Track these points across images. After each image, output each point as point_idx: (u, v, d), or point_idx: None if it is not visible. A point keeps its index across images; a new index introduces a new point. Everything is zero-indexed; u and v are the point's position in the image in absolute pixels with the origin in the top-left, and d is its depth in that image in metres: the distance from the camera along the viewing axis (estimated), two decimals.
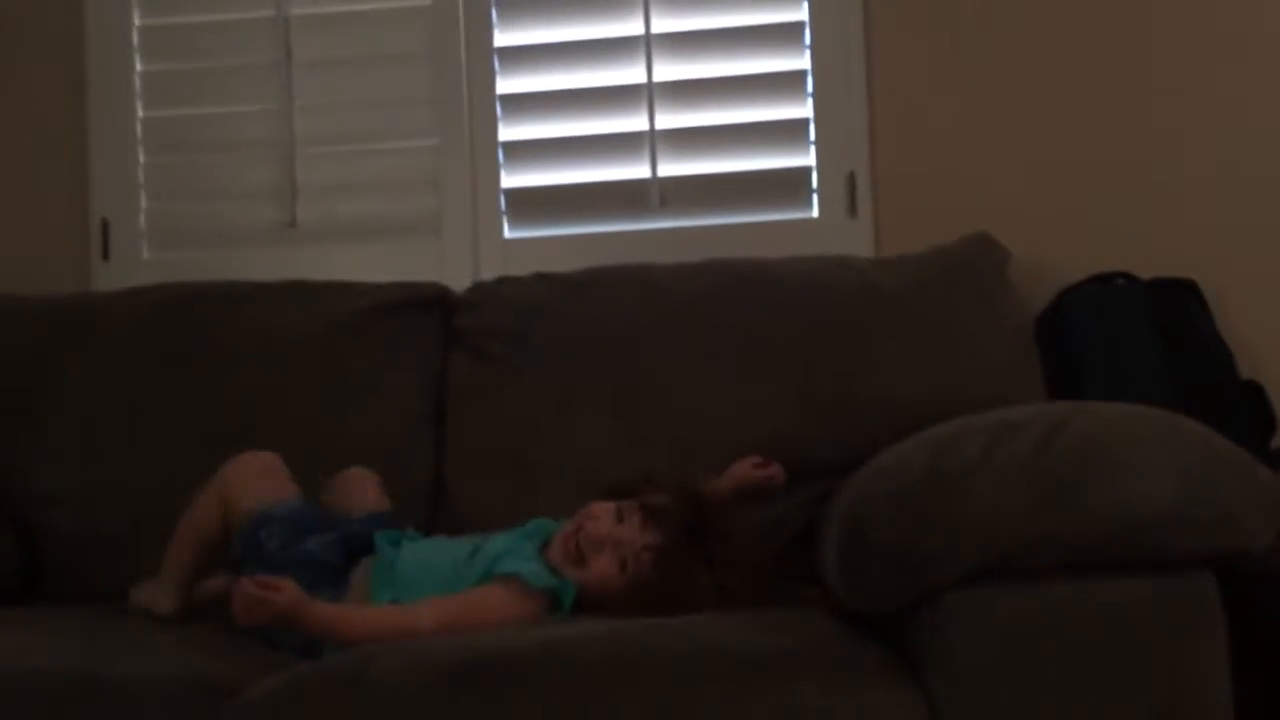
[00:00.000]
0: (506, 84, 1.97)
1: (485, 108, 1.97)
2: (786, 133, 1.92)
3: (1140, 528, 1.02)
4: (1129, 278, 1.76)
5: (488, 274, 1.87)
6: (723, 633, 1.15)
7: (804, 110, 1.91)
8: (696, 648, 1.10)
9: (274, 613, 1.22)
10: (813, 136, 1.91)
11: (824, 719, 1.02)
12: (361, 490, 1.55)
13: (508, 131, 1.97)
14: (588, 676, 1.06)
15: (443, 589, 1.33)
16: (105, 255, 2.02)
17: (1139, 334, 1.70)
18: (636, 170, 1.93)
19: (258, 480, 1.43)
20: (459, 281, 1.84)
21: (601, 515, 1.36)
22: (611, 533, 1.34)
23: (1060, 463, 1.03)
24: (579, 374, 1.65)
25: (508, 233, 1.97)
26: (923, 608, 1.08)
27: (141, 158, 2.02)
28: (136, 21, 2.03)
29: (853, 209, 1.90)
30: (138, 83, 2.02)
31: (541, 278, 1.77)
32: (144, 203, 2.02)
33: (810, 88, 1.91)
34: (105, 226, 2.02)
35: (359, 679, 1.10)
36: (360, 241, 1.98)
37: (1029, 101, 1.88)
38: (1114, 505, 1.02)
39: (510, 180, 1.97)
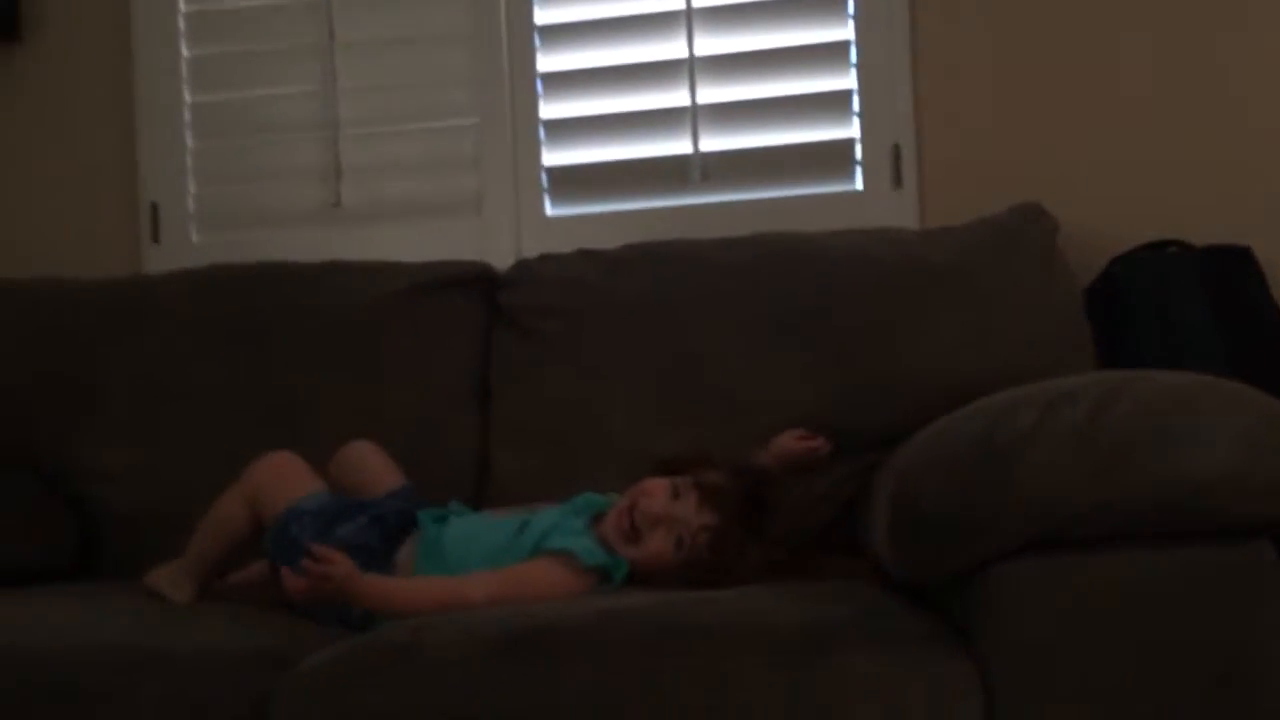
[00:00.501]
0: (547, 61, 1.97)
1: (526, 85, 1.97)
2: (830, 105, 1.90)
3: (1198, 495, 1.01)
4: (1182, 246, 1.73)
5: (530, 252, 1.87)
6: (774, 605, 1.15)
7: (848, 81, 1.89)
8: (749, 619, 1.10)
9: (333, 585, 1.24)
10: (856, 108, 1.89)
11: (875, 688, 1.02)
12: (369, 466, 1.52)
13: (549, 109, 1.97)
14: (640, 647, 1.07)
15: (491, 564, 1.34)
16: (156, 238, 2.05)
17: (1192, 303, 1.67)
18: (678, 145, 1.92)
19: (284, 479, 1.43)
20: (501, 260, 1.85)
21: (656, 492, 1.36)
22: (667, 510, 1.34)
23: (1116, 430, 1.02)
24: (623, 350, 1.65)
25: (549, 210, 1.97)
26: (974, 578, 1.07)
27: (189, 142, 2.05)
28: (182, 7, 2.05)
29: (897, 181, 1.87)
30: (184, 68, 2.04)
31: (584, 254, 1.77)
32: (192, 187, 2.05)
33: (854, 58, 1.89)
34: (155, 210, 2.05)
35: (413, 649, 1.11)
36: (403, 221, 1.99)
37: (1077, 68, 1.84)
38: (1171, 472, 1.01)
39: (551, 158, 1.97)
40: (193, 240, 2.04)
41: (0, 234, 2.10)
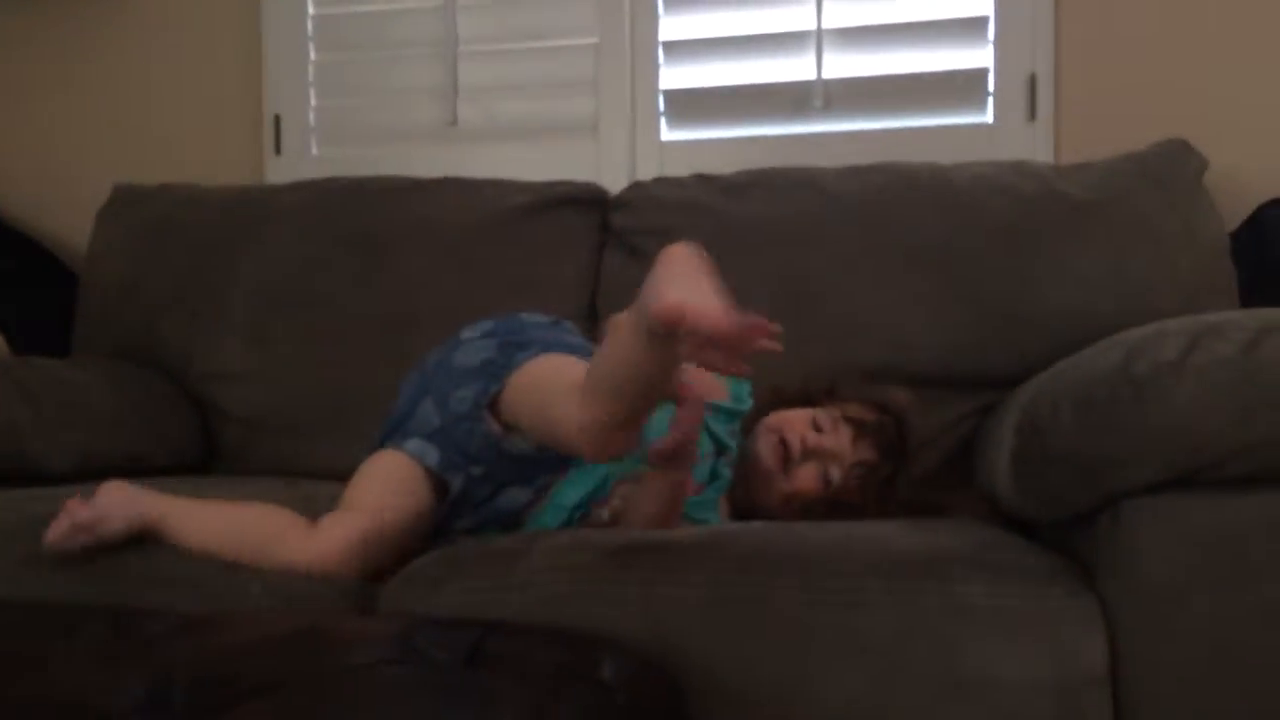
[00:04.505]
0: None
1: (647, 3, 1.92)
2: (963, 30, 1.81)
3: None
4: None
5: (644, 175, 1.84)
6: (888, 533, 1.11)
7: (983, 6, 1.80)
8: (866, 546, 1.07)
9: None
10: (991, 35, 1.80)
11: (992, 619, 0.98)
12: None
13: (669, 28, 1.92)
14: (746, 563, 1.05)
15: None
16: (278, 150, 2.08)
17: None
18: (801, 70, 1.86)
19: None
20: (615, 183, 1.82)
21: (802, 425, 1.31)
22: (819, 443, 1.30)
23: (1270, 366, 0.95)
24: (736, 275, 1.59)
25: (665, 134, 1.94)
26: (1102, 515, 1.02)
27: (312, 55, 2.06)
28: None
29: (1031, 113, 1.79)
30: None
31: (699, 178, 1.74)
32: (313, 100, 2.07)
33: None
34: (278, 122, 2.08)
35: (518, 556, 1.10)
36: (518, 142, 1.98)
37: None
38: None
39: (669, 80, 1.93)
40: (313, 153, 2.07)
41: (131, 143, 2.16)
